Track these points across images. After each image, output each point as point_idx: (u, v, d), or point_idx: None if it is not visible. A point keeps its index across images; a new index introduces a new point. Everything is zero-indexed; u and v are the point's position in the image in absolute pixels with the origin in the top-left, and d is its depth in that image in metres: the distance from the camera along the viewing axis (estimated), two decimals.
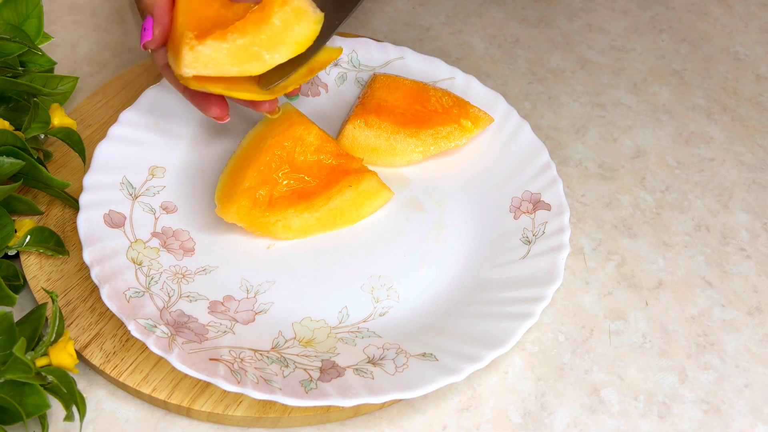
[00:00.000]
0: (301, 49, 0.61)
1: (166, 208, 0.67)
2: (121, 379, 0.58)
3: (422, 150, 0.71)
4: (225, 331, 0.59)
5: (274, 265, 0.65)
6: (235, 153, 0.67)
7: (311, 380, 0.56)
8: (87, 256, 0.60)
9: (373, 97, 0.72)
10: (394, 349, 0.59)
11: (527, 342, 0.63)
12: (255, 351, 0.58)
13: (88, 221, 0.63)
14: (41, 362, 0.54)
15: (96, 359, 0.59)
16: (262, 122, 0.68)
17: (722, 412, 0.60)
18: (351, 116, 0.71)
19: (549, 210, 0.67)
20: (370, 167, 0.70)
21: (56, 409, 0.57)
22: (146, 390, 0.57)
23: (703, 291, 0.68)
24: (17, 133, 0.64)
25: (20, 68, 0.71)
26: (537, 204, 0.68)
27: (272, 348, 0.59)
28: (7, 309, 0.60)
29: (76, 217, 0.63)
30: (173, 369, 0.58)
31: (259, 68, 0.60)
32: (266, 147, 0.65)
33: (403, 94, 0.73)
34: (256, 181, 0.64)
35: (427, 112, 0.72)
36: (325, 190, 0.66)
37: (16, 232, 0.63)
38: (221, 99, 0.62)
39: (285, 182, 0.66)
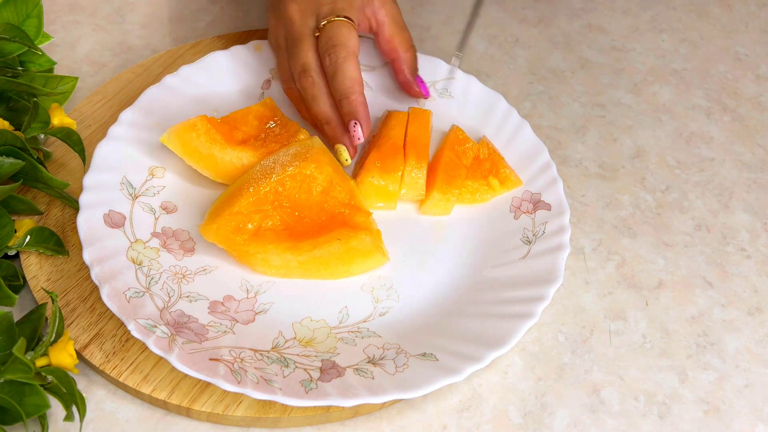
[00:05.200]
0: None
1: (166, 208, 0.67)
2: (121, 379, 0.58)
3: (442, 207, 0.68)
4: (225, 331, 0.59)
5: None
6: (244, 174, 0.66)
7: (311, 380, 0.56)
8: (87, 256, 0.60)
9: (389, 137, 0.70)
10: (394, 349, 0.59)
11: (527, 342, 0.63)
12: (255, 351, 0.58)
13: (88, 221, 0.63)
14: (41, 362, 0.54)
15: (96, 359, 0.59)
16: (284, 149, 0.67)
17: (722, 412, 0.60)
18: (367, 160, 0.69)
19: (549, 210, 0.67)
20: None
21: (56, 409, 0.56)
22: (146, 390, 0.57)
23: (703, 291, 0.68)
24: (17, 133, 0.64)
25: (20, 68, 0.71)
26: (537, 204, 0.68)
27: (272, 348, 0.59)
28: (7, 309, 0.60)
29: (76, 217, 0.63)
30: (173, 369, 0.58)
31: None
32: (271, 178, 0.64)
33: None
34: (247, 208, 0.63)
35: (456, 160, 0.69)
36: (314, 236, 0.63)
37: (16, 232, 0.63)
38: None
39: (278, 216, 0.64)
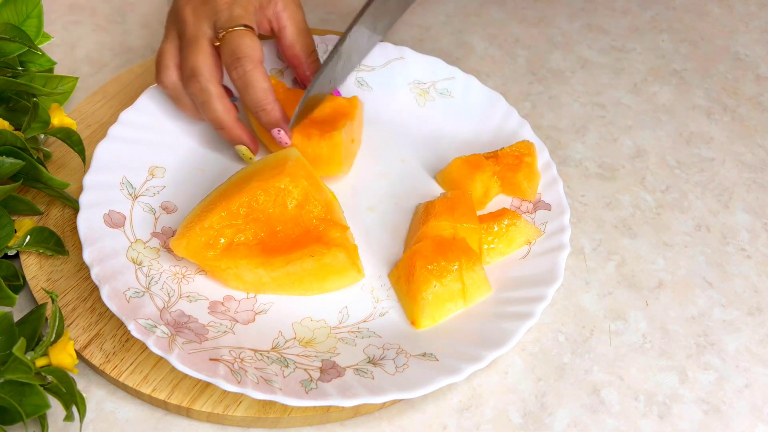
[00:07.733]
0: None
1: (166, 208, 0.67)
2: (121, 379, 0.58)
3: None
4: (225, 331, 0.59)
5: None
6: (218, 187, 0.65)
7: (311, 380, 0.56)
8: (87, 256, 0.60)
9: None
10: (394, 349, 0.59)
11: (527, 342, 0.63)
12: (255, 351, 0.58)
13: (88, 221, 0.63)
14: (41, 362, 0.54)
15: (96, 359, 0.59)
16: (261, 160, 0.65)
17: (722, 412, 0.60)
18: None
19: (549, 210, 0.67)
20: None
21: (56, 409, 0.56)
22: (146, 390, 0.57)
23: (703, 291, 0.68)
24: (17, 133, 0.64)
25: (20, 68, 0.71)
26: (537, 204, 0.68)
27: (272, 348, 0.59)
28: (7, 309, 0.60)
29: (76, 217, 0.63)
30: (173, 369, 0.58)
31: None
32: (244, 191, 0.62)
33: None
34: (219, 222, 0.61)
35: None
36: (288, 251, 0.61)
37: (16, 232, 0.63)
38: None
39: (252, 230, 0.62)
